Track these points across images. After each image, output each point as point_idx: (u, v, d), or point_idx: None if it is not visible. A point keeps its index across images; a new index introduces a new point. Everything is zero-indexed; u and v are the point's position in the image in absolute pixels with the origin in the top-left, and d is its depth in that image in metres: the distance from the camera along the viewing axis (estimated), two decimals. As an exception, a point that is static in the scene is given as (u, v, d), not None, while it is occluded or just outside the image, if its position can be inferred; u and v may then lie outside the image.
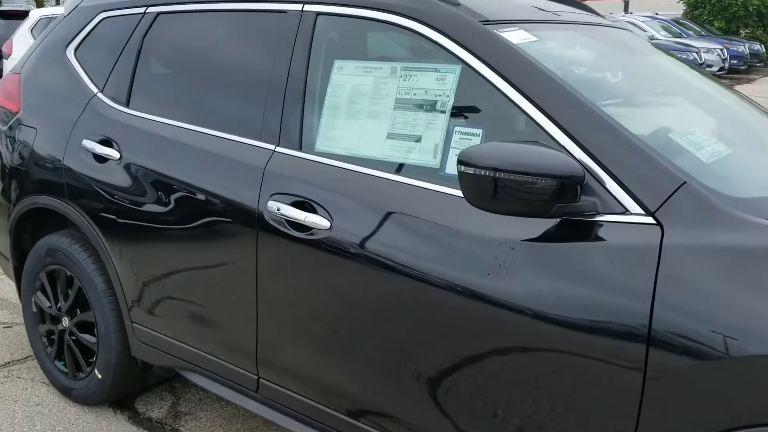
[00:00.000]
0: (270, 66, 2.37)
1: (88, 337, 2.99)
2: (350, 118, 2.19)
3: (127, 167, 2.65)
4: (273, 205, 2.21)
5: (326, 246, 2.09)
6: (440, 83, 2.01)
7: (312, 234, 2.12)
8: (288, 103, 2.30)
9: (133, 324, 2.78)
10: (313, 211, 2.13)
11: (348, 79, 2.21)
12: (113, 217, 2.70)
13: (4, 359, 3.54)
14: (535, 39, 2.05)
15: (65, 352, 3.10)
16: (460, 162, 1.66)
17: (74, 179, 2.84)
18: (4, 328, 3.88)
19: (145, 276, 2.66)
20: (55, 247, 3.00)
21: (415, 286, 1.93)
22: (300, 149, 2.26)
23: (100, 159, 2.75)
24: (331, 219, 2.09)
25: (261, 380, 2.39)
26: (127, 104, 2.80)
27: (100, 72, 2.94)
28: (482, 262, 1.80)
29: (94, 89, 2.92)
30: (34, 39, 8.23)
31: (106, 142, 2.75)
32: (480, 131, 1.92)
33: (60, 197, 2.90)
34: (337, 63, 2.24)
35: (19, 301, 4.11)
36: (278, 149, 2.30)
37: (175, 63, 2.75)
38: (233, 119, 2.48)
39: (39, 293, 3.17)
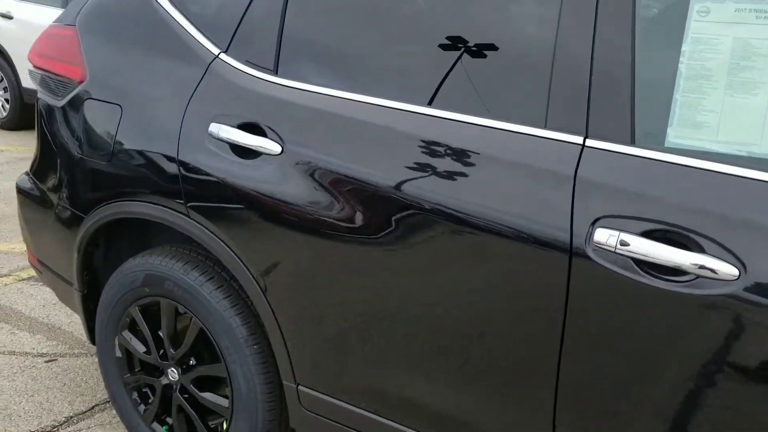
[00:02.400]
0: (557, 5, 1.52)
1: (213, 398, 2.14)
2: (740, 93, 1.36)
3: (299, 166, 1.78)
4: (605, 236, 1.39)
5: (732, 306, 1.29)
6: None
7: (699, 286, 1.31)
8: (600, 68, 1.46)
9: (299, 387, 1.94)
10: (697, 248, 1.32)
11: (724, 31, 1.38)
12: (270, 237, 1.84)
13: (62, 412, 2.66)
14: None
15: (173, 415, 2.25)
16: None
17: (198, 182, 1.95)
18: (47, 362, 2.97)
19: (328, 322, 1.82)
20: (161, 274, 2.12)
21: None
22: (632, 143, 1.44)
23: (245, 152, 1.86)
24: (740, 265, 1.28)
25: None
26: (275, 71, 1.91)
27: (218, 24, 2.04)
28: None
29: (214, 49, 2.01)
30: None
31: (254, 128, 1.86)
32: None
33: (173, 206, 2.01)
34: (698, 4, 1.41)
35: (57, 322, 3.20)
36: (590, 143, 1.46)
37: (362, 5, 1.85)
38: (490, 93, 1.63)
39: (127, 333, 2.28)
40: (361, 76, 1.79)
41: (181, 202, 1.99)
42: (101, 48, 2.25)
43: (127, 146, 2.10)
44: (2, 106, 7.33)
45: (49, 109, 2.37)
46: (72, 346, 3.09)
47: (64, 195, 2.31)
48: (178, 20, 2.09)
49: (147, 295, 2.18)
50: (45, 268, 2.54)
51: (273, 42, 1.92)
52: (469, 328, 1.60)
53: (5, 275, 3.80)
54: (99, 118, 2.19)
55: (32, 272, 3.82)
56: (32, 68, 2.50)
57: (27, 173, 2.56)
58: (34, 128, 2.54)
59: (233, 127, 1.88)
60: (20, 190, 2.54)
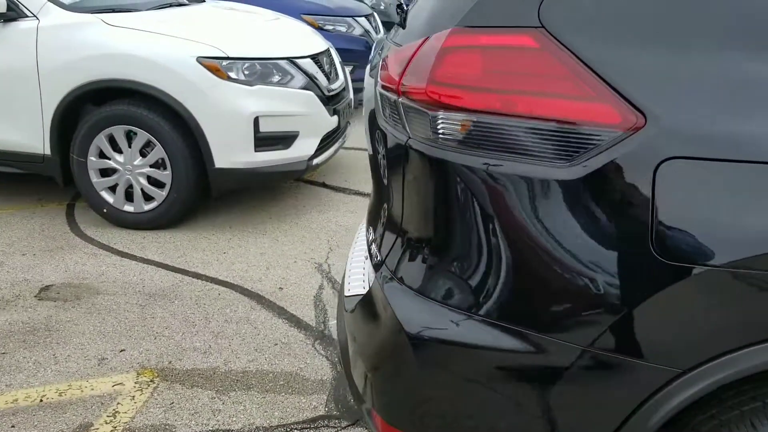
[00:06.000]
0: None
1: None
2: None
3: None
4: None
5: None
6: None
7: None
8: None
9: None
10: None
11: None
12: None
13: None
14: None
15: None
16: None
17: None
18: None
19: None
20: None
21: None
22: None
23: None
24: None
25: None
26: None
27: None
28: None
29: None
30: None
31: None
32: None
33: None
34: None
35: None
36: None
37: None
38: None
39: None
40: None
41: None
42: (650, 65, 1.24)
43: None
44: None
45: (524, 183, 1.30)
46: None
47: (609, 338, 1.27)
48: None
49: None
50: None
51: None
52: None
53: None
54: (726, 191, 1.18)
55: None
56: (440, 113, 1.38)
57: (416, 292, 1.42)
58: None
59: None
60: (421, 340, 1.41)
